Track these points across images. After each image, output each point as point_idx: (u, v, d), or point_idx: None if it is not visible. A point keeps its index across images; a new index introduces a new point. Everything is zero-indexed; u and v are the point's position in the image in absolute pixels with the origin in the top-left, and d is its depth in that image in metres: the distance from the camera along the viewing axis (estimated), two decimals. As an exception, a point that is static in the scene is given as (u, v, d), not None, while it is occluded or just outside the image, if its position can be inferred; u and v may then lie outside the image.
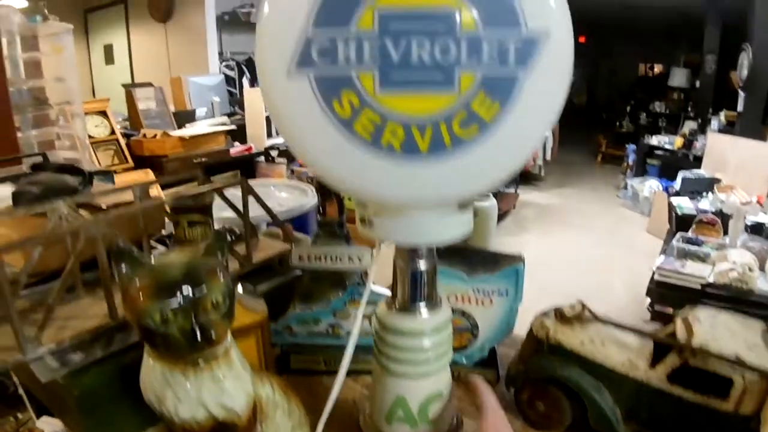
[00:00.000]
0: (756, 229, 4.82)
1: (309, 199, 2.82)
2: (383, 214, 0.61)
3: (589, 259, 6.03)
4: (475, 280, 1.19)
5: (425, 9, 0.49)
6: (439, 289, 1.20)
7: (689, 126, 9.04)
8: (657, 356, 1.06)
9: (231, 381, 0.67)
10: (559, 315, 1.18)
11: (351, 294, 1.12)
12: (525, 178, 8.67)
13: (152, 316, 0.60)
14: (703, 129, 8.53)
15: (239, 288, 1.15)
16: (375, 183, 0.54)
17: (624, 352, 1.08)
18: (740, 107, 7.90)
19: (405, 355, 0.69)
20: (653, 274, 4.26)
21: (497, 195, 6.65)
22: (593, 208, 7.98)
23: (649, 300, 4.42)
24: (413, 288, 0.68)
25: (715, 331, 1.05)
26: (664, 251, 4.68)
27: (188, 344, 0.62)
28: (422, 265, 0.67)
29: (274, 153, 5.45)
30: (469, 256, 1.22)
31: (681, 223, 5.25)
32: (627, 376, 1.07)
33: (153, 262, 0.63)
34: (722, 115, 8.44)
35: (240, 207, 1.16)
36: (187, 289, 0.61)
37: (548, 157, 8.88)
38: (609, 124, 12.41)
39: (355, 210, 0.63)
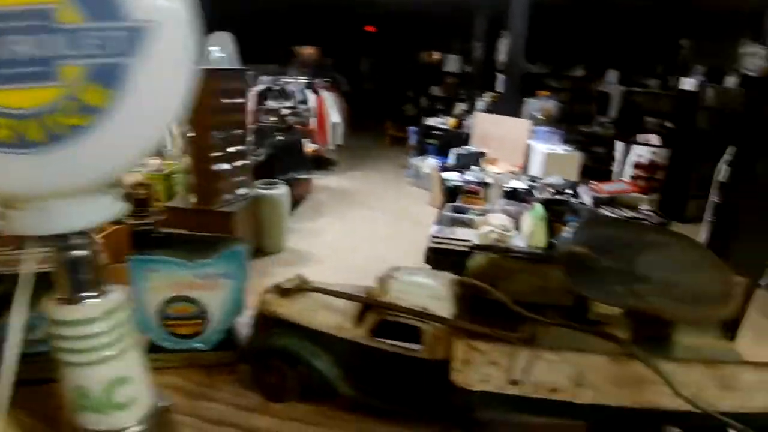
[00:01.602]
0: (511, 195, 5.54)
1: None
2: (15, 207, 0.63)
3: (380, 235, 6.43)
4: (197, 265, 1.26)
5: (25, 7, 0.53)
6: (162, 278, 1.24)
7: (460, 107, 9.99)
8: (363, 316, 1.22)
9: None
10: (279, 289, 1.29)
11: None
12: (319, 163, 8.92)
13: None
14: (471, 109, 9.48)
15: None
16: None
17: (335, 316, 1.23)
18: (500, 88, 8.93)
19: (74, 345, 0.72)
20: (429, 241, 4.69)
21: (292, 182, 6.78)
22: (383, 188, 8.50)
23: (429, 266, 4.85)
24: (72, 277, 0.71)
25: (407, 287, 1.24)
26: (438, 221, 5.16)
27: None
28: (77, 253, 0.69)
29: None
30: (189, 244, 1.28)
31: (451, 194, 5.84)
32: (338, 338, 1.21)
33: None
34: (487, 96, 9.48)
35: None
36: None
37: (340, 141, 9.22)
38: (395, 108, 13.19)
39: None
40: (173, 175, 5.22)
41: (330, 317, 1.22)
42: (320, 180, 8.40)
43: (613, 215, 4.91)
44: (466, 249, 4.50)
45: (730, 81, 7.79)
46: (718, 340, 1.37)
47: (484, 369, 1.07)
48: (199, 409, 1.19)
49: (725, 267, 1.23)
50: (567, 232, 4.05)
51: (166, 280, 1.22)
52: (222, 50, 7.21)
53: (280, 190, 5.56)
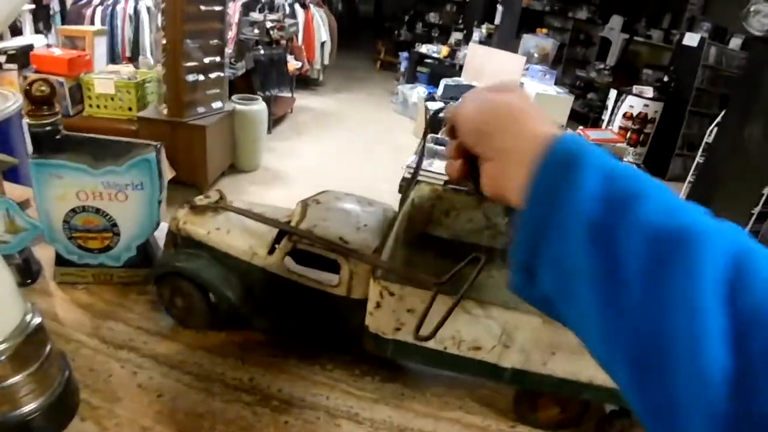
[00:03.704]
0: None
1: (10, 103, 2.63)
2: None
3: (358, 161, 6.28)
4: (104, 173, 1.10)
5: None
6: (67, 185, 1.09)
7: (456, 37, 9.61)
8: (278, 243, 1.07)
9: None
10: (193, 205, 1.13)
11: None
12: (303, 82, 8.60)
13: None
14: (467, 40, 9.12)
15: None
16: None
17: (249, 240, 1.07)
18: (498, 20, 8.57)
19: None
20: (404, 172, 4.57)
21: (271, 99, 6.50)
22: (368, 113, 8.26)
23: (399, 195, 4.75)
24: None
25: (329, 213, 1.08)
26: (417, 151, 5.01)
27: None
28: None
29: (1, 58, 4.74)
30: (96, 148, 1.11)
31: (434, 124, 5.64)
32: (250, 264, 1.06)
33: None
34: (484, 27, 9.09)
35: None
36: None
37: (326, 61, 8.87)
38: (391, 33, 12.70)
39: None
40: (146, 84, 4.94)
41: (243, 240, 1.06)
42: (303, 100, 8.12)
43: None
44: (442, 182, 4.43)
45: (735, 42, 7.54)
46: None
47: (399, 316, 0.95)
48: (102, 330, 1.08)
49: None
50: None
51: (71, 187, 1.07)
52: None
53: (258, 107, 5.34)
